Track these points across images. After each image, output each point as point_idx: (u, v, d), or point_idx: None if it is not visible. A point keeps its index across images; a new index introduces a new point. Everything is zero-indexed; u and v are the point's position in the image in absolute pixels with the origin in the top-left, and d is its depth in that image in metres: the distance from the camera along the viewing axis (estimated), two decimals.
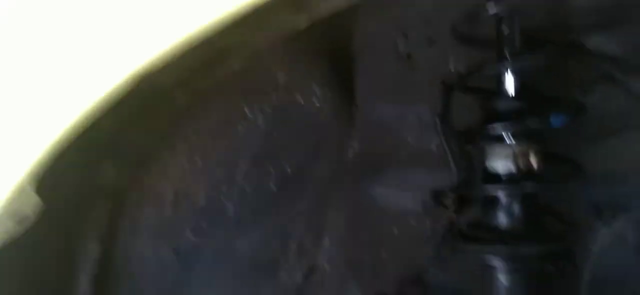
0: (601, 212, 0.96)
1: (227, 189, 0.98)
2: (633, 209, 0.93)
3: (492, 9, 0.77)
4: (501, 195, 0.84)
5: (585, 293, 0.89)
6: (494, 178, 0.84)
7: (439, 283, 1.10)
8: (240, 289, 1.12)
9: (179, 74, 0.66)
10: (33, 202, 0.57)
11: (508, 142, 0.81)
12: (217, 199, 0.98)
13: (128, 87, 0.48)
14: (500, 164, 0.82)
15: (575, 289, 0.90)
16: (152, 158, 0.88)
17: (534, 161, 0.80)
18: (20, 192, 0.55)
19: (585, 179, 0.86)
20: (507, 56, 0.79)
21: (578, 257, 0.89)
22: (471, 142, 0.90)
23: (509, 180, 0.81)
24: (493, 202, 0.86)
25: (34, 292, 0.82)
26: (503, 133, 0.80)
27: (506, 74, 0.82)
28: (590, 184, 0.96)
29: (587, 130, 0.94)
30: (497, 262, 0.85)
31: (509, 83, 0.82)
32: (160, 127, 0.82)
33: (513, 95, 0.80)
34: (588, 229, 0.96)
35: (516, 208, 0.84)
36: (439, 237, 1.05)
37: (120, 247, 0.91)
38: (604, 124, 0.94)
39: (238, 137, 0.94)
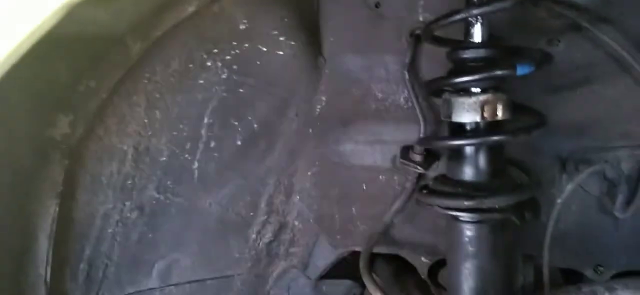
0: (565, 164, 0.97)
1: (191, 145, 0.96)
2: (596, 161, 0.93)
3: None
4: (467, 147, 0.84)
5: (548, 243, 0.90)
6: (460, 130, 0.83)
7: (406, 237, 1.11)
8: (209, 247, 1.11)
9: (130, 19, 0.62)
10: None
11: (474, 92, 0.80)
12: (181, 155, 0.96)
13: (62, 23, 0.44)
14: (466, 115, 0.81)
15: (538, 234, 0.91)
16: (108, 111, 0.84)
17: (499, 111, 0.80)
18: None
19: (550, 130, 0.87)
20: (475, 3, 0.78)
21: (542, 208, 0.89)
22: (438, 94, 0.89)
23: (475, 131, 0.81)
24: (459, 154, 0.85)
25: None
26: (469, 83, 0.79)
27: (474, 22, 0.80)
28: (555, 136, 0.97)
29: (553, 82, 0.94)
30: (462, 215, 0.86)
31: (477, 32, 0.81)
32: (114, 76, 0.79)
33: (480, 43, 0.79)
34: (552, 181, 0.97)
35: (482, 160, 0.84)
36: (407, 193, 1.06)
37: (80, 205, 0.88)
38: (569, 75, 0.94)
39: (199, 89, 0.91)
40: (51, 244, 0.83)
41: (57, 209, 0.81)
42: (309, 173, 1.12)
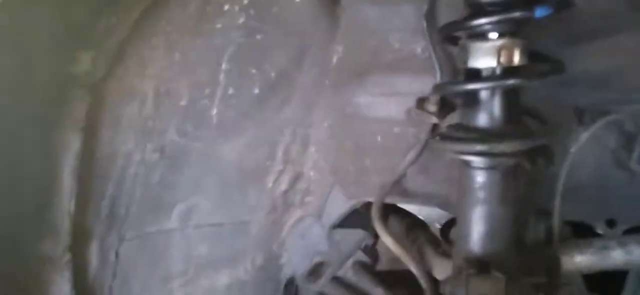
0: (582, 115, 0.96)
1: (209, 90, 0.98)
2: (614, 113, 0.92)
3: None
4: (482, 93, 0.84)
5: (560, 193, 0.90)
6: (476, 75, 0.83)
7: (418, 188, 1.12)
8: (227, 193, 1.15)
9: None
10: None
11: (491, 37, 0.80)
12: (200, 100, 0.98)
13: None
14: (483, 60, 0.81)
15: (551, 187, 0.91)
16: (128, 52, 0.86)
17: (516, 57, 0.79)
18: None
19: (566, 76, 0.86)
20: None
21: (556, 156, 0.89)
22: (455, 42, 0.89)
23: (490, 76, 0.81)
24: (473, 100, 0.86)
25: (17, 185, 0.84)
26: (486, 26, 0.79)
27: None
28: (573, 86, 0.96)
29: (572, 31, 0.93)
30: (474, 160, 0.86)
31: None
32: (133, 16, 0.80)
33: None
34: (569, 133, 0.96)
35: (496, 106, 0.84)
36: (421, 144, 1.07)
37: (103, 143, 0.91)
38: (589, 25, 0.92)
39: (217, 33, 0.92)
40: (75, 178, 0.87)
41: (80, 144, 0.85)
42: (325, 125, 1.13)
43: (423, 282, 1.05)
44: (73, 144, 0.85)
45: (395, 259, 1.17)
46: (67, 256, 0.91)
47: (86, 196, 0.93)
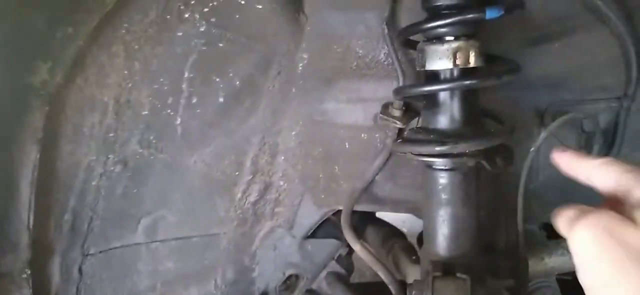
0: (542, 116, 0.97)
1: (173, 100, 0.97)
2: (571, 113, 0.94)
3: None
4: (441, 95, 0.85)
5: (522, 194, 0.91)
6: (434, 77, 0.84)
7: (387, 194, 1.12)
8: (195, 205, 1.13)
9: None
10: None
11: (447, 39, 0.81)
12: (163, 110, 0.97)
13: None
14: (439, 62, 0.82)
15: (512, 187, 0.92)
16: (87, 61, 0.85)
17: (472, 58, 0.80)
18: None
19: (526, 78, 0.87)
20: None
21: (519, 158, 0.90)
22: (414, 46, 0.90)
23: (447, 78, 0.82)
24: (433, 103, 0.86)
25: None
26: (440, 29, 0.80)
27: None
28: (532, 88, 0.98)
29: (530, 35, 0.95)
30: (436, 162, 0.87)
31: None
32: (91, 25, 0.80)
33: None
34: (531, 135, 0.98)
35: (454, 107, 0.84)
36: (387, 149, 1.07)
37: (63, 155, 0.90)
38: (545, 27, 0.94)
39: (178, 41, 0.92)
40: (33, 190, 0.85)
41: (38, 155, 0.83)
42: (293, 133, 1.13)
43: (392, 288, 1.05)
44: (31, 155, 0.83)
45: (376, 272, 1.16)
46: (27, 272, 0.88)
47: (46, 210, 0.91)
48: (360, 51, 1.02)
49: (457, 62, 0.80)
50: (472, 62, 0.81)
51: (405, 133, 0.95)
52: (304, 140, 1.13)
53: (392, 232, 1.38)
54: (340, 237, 1.25)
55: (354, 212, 1.34)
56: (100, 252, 1.02)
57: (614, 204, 0.53)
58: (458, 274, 0.83)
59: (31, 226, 0.87)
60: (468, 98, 0.84)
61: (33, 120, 0.81)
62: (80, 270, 1.00)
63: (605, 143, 0.96)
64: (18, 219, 0.86)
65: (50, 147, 0.86)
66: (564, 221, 0.52)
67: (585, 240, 0.48)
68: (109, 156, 0.96)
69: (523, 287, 0.95)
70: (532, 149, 0.87)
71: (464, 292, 0.82)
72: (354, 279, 1.49)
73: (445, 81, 0.81)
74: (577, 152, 0.62)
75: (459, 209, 0.87)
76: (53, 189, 0.90)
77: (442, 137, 0.83)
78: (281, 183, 1.19)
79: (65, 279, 0.97)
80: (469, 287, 0.82)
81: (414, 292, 0.86)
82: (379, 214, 1.50)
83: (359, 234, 1.41)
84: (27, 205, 0.85)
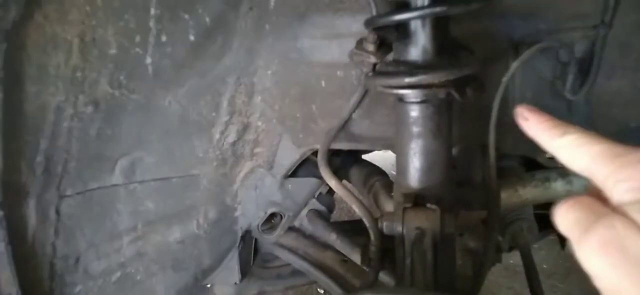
0: (517, 47, 0.96)
1: (140, 38, 0.95)
2: (545, 41, 0.92)
3: None
4: (412, 26, 0.83)
5: (494, 125, 0.90)
6: (404, 6, 0.82)
7: (363, 132, 1.12)
8: (172, 146, 1.13)
9: None
10: None
11: None
12: (132, 48, 0.95)
13: None
14: None
15: (487, 121, 0.91)
16: None
17: None
18: None
19: (500, 8, 0.85)
20: None
21: (490, 89, 0.89)
22: None
23: (416, 6, 0.80)
24: (404, 34, 0.85)
25: None
26: None
27: None
28: (506, 19, 0.96)
29: None
30: (407, 94, 0.86)
31: None
32: None
33: None
34: (506, 67, 0.96)
35: (425, 39, 0.83)
36: (363, 86, 1.06)
37: (29, 96, 0.88)
38: None
39: None
40: (0, 132, 0.84)
41: (2, 95, 0.82)
42: (269, 72, 1.11)
43: (366, 221, 1.06)
44: None
45: None
46: (0, 213, 0.89)
47: (17, 152, 0.90)
48: None
49: None
50: None
51: (377, 66, 0.93)
52: (281, 80, 1.11)
53: (374, 171, 1.39)
54: (320, 175, 1.25)
55: (338, 154, 1.35)
56: (78, 193, 1.03)
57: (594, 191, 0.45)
58: (428, 205, 0.84)
59: (0, 168, 0.86)
60: (439, 27, 0.82)
61: None
62: (57, 211, 1.00)
63: (580, 72, 0.95)
64: None
65: (14, 88, 0.84)
66: (570, 226, 0.44)
67: (598, 258, 0.41)
68: (79, 97, 0.94)
69: (495, 218, 0.97)
70: (504, 78, 0.86)
71: (433, 222, 0.83)
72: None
73: (415, 9, 0.79)
74: (544, 117, 0.52)
75: (430, 141, 0.87)
76: (22, 131, 0.89)
77: (412, 68, 0.82)
78: (259, 123, 1.18)
79: (41, 220, 0.97)
80: (438, 216, 0.83)
81: (385, 223, 0.87)
82: (365, 156, 1.51)
83: (343, 174, 1.42)
84: None
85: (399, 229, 0.84)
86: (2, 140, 0.85)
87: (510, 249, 1.38)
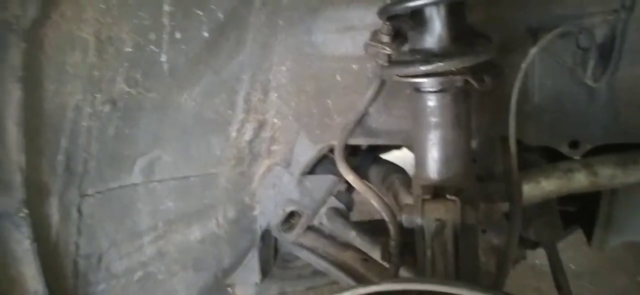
0: (536, 35, 0.94)
1: (155, 35, 0.96)
2: (564, 27, 0.90)
3: None
4: (426, 13, 0.82)
5: (514, 114, 0.89)
6: None
7: (381, 126, 1.11)
8: (190, 144, 1.13)
9: None
10: None
11: None
12: (147, 46, 0.96)
13: None
14: None
15: (503, 107, 0.89)
16: None
17: None
18: None
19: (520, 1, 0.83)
20: None
21: (505, 73, 0.88)
22: None
23: None
24: (419, 23, 0.84)
25: None
26: None
27: None
28: (525, 6, 0.94)
29: None
30: (423, 83, 0.85)
31: None
32: None
33: None
34: (524, 53, 0.94)
35: (440, 27, 0.82)
36: (379, 79, 1.05)
37: (48, 94, 0.90)
38: None
39: None
40: (21, 130, 0.86)
41: (22, 93, 0.83)
42: (284, 68, 1.11)
43: (384, 214, 1.05)
44: (14, 93, 0.83)
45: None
46: (24, 211, 0.90)
47: (38, 150, 0.92)
48: None
49: None
50: None
51: (392, 57, 0.92)
52: (295, 76, 1.11)
53: (392, 169, 1.38)
54: (338, 173, 1.24)
55: (356, 153, 1.34)
56: (98, 192, 1.04)
57: None
58: (448, 196, 0.83)
59: (23, 167, 0.88)
60: (454, 14, 0.81)
61: (11, 57, 0.81)
62: (79, 210, 1.02)
63: (601, 58, 0.92)
64: (8, 160, 0.87)
65: (33, 87, 0.86)
66: None
67: None
68: (96, 96, 0.95)
69: (517, 210, 0.94)
70: (523, 65, 0.84)
71: (453, 213, 0.81)
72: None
73: None
74: None
75: (449, 131, 0.86)
76: (42, 130, 0.91)
77: (428, 56, 0.81)
78: (275, 121, 1.18)
79: (64, 219, 0.99)
80: (459, 208, 0.81)
81: (404, 216, 0.85)
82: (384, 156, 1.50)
83: (362, 174, 1.41)
84: (17, 146, 0.87)
85: (419, 221, 0.83)
86: (24, 138, 0.86)
87: (535, 246, 1.35)
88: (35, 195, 0.93)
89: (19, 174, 0.88)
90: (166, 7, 0.93)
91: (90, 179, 1.03)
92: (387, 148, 1.49)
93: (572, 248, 2.50)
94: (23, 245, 0.92)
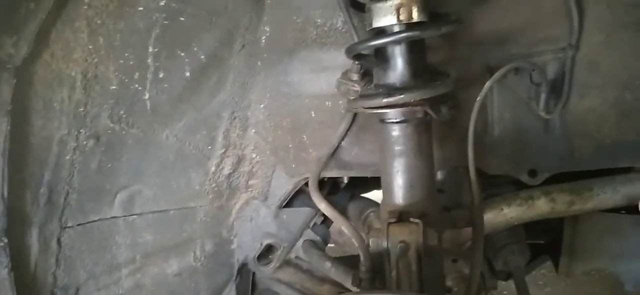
0: (493, 71, 1.01)
1: (139, 75, 1.02)
2: (516, 62, 0.98)
3: None
4: (389, 51, 0.89)
5: (472, 143, 0.95)
6: (380, 34, 0.89)
7: (353, 158, 1.17)
8: (170, 179, 1.17)
9: None
10: None
11: None
12: (131, 84, 1.02)
13: None
14: (384, 19, 0.86)
15: (465, 137, 0.96)
16: (52, 36, 0.90)
17: (415, 14, 0.85)
18: None
19: (476, 36, 0.91)
20: None
21: (465, 107, 0.95)
22: (364, 9, 0.94)
23: (391, 33, 0.86)
24: (384, 61, 0.91)
25: None
26: None
27: None
28: (483, 45, 1.02)
29: None
30: (387, 114, 0.91)
31: None
32: (52, 0, 0.85)
33: None
34: (481, 89, 1.02)
35: (401, 63, 0.89)
36: (350, 114, 1.12)
37: (35, 129, 0.94)
38: None
39: (139, 16, 0.96)
40: (5, 161, 0.89)
41: (9, 127, 0.87)
42: (262, 106, 1.17)
43: (354, 240, 1.09)
44: (2, 126, 0.88)
45: None
46: (4, 240, 0.93)
47: (22, 183, 0.96)
48: (319, 20, 1.07)
49: (401, 17, 0.85)
50: (415, 17, 0.85)
51: (361, 92, 0.99)
52: (273, 112, 1.17)
53: (369, 204, 1.42)
54: (314, 206, 1.29)
55: (335, 193, 1.39)
56: (79, 224, 1.07)
57: None
58: (411, 219, 0.88)
59: (6, 196, 0.91)
60: (414, 52, 0.89)
61: (1, 92, 0.86)
62: (59, 241, 1.04)
63: (553, 92, 1.00)
64: None
65: (21, 121, 0.91)
66: None
67: None
68: (81, 131, 1.00)
69: (479, 235, 1.00)
70: (478, 98, 0.92)
71: (416, 235, 0.86)
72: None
73: (390, 34, 0.86)
74: None
75: (412, 159, 0.92)
76: (27, 162, 0.95)
77: (390, 89, 0.88)
78: (253, 155, 1.23)
79: (43, 249, 1.01)
80: (421, 229, 0.86)
81: (371, 239, 0.90)
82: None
83: (341, 210, 1.45)
84: (1, 176, 0.90)
85: (384, 243, 0.87)
86: (8, 170, 0.90)
87: (508, 277, 1.39)
88: (17, 226, 0.96)
89: (1, 203, 0.91)
90: (151, 48, 0.99)
91: (71, 211, 1.06)
92: (367, 187, 1.54)
93: (551, 284, 2.55)
94: (1, 274, 0.94)
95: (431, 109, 0.86)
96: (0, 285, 0.93)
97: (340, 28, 1.07)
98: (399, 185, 0.93)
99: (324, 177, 1.21)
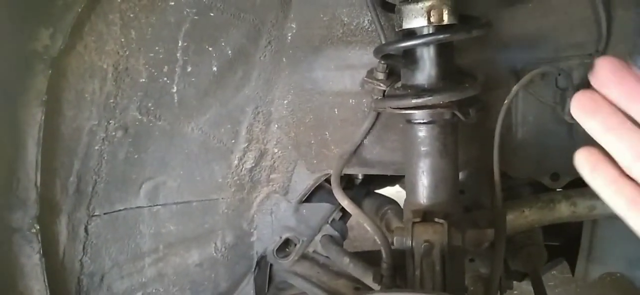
0: (519, 75, 1.02)
1: (168, 68, 1.03)
2: (542, 67, 0.99)
3: None
4: (417, 53, 0.90)
5: (498, 145, 0.96)
6: (410, 35, 0.89)
7: (375, 156, 1.18)
8: (194, 171, 1.19)
9: None
10: None
11: None
12: (160, 77, 1.03)
13: None
14: (414, 21, 0.87)
15: (490, 142, 0.97)
16: (86, 28, 0.92)
17: (445, 16, 0.85)
18: None
19: (503, 39, 0.91)
20: None
21: (491, 110, 0.95)
22: (393, 10, 0.95)
23: (421, 35, 0.87)
24: (412, 62, 0.92)
25: None
26: None
27: None
28: (509, 49, 1.03)
29: None
30: (414, 115, 0.92)
31: None
32: None
33: None
34: (507, 92, 1.02)
35: (430, 65, 0.90)
36: (374, 113, 1.13)
37: (67, 119, 0.96)
38: None
39: (170, 10, 0.98)
40: (39, 150, 0.92)
41: (43, 116, 0.90)
42: (285, 102, 1.19)
43: (377, 237, 1.10)
44: (36, 116, 0.90)
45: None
46: (36, 227, 0.95)
47: (53, 171, 0.98)
48: (345, 19, 1.08)
49: (432, 19, 0.85)
50: (446, 19, 0.86)
51: (388, 91, 1.00)
52: (296, 108, 1.18)
53: (386, 201, 1.44)
54: (333, 202, 1.30)
55: (351, 187, 1.40)
56: (105, 213, 1.09)
57: None
58: (436, 219, 0.89)
59: (38, 184, 0.93)
60: (443, 54, 0.89)
61: (37, 83, 0.88)
62: (86, 229, 1.07)
63: None
64: (26, 177, 0.93)
65: (54, 111, 0.93)
66: None
67: None
68: (110, 122, 1.02)
69: (501, 235, 1.00)
70: (506, 101, 0.92)
71: (441, 235, 0.87)
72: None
73: (420, 36, 0.87)
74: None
75: (438, 159, 0.93)
76: (58, 152, 0.97)
77: (419, 91, 0.89)
78: (275, 150, 1.24)
79: (72, 237, 1.04)
80: (446, 230, 0.87)
81: (395, 238, 0.91)
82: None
83: (356, 205, 1.47)
84: (34, 165, 0.92)
85: (409, 242, 0.89)
86: (41, 158, 0.92)
87: (523, 278, 1.40)
88: (47, 213, 0.99)
89: (34, 191, 0.93)
90: (180, 42, 1.00)
91: (98, 200, 1.08)
92: (381, 184, 1.55)
93: (562, 285, 2.55)
94: (32, 260, 0.96)
95: (459, 111, 0.87)
96: (32, 270, 0.96)
97: (366, 27, 1.07)
98: (423, 185, 0.94)
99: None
